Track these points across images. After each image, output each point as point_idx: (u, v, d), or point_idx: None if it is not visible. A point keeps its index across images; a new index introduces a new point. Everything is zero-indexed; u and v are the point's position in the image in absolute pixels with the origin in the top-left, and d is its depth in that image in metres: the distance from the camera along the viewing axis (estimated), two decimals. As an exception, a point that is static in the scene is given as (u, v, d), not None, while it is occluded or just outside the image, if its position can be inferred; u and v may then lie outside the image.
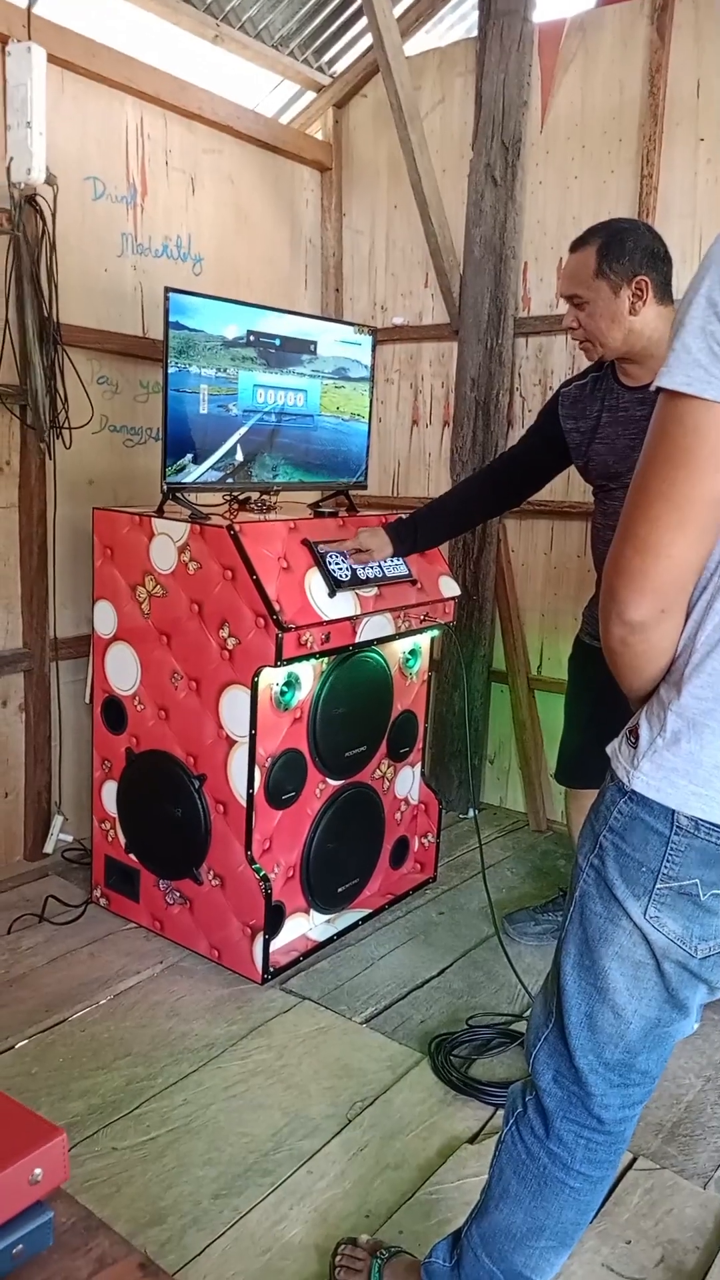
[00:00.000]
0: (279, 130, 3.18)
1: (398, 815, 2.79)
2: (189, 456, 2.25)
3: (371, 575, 2.35)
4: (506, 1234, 1.27)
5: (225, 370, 2.29)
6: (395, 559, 2.44)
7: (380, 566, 2.39)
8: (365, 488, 2.84)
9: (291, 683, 2.26)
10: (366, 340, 2.68)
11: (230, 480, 2.39)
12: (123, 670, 2.40)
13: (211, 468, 2.32)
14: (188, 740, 2.31)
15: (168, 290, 2.13)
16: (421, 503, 3.53)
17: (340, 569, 2.27)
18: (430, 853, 2.87)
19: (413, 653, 2.70)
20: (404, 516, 2.37)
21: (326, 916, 2.56)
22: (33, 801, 2.76)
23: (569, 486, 3.09)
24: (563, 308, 3.07)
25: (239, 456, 2.38)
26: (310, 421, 2.57)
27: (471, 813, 3.41)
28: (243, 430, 2.37)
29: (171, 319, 2.14)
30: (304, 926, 2.48)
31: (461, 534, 3.09)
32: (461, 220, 3.17)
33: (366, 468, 2.79)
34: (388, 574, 2.41)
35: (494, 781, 3.54)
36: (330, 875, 2.52)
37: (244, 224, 3.15)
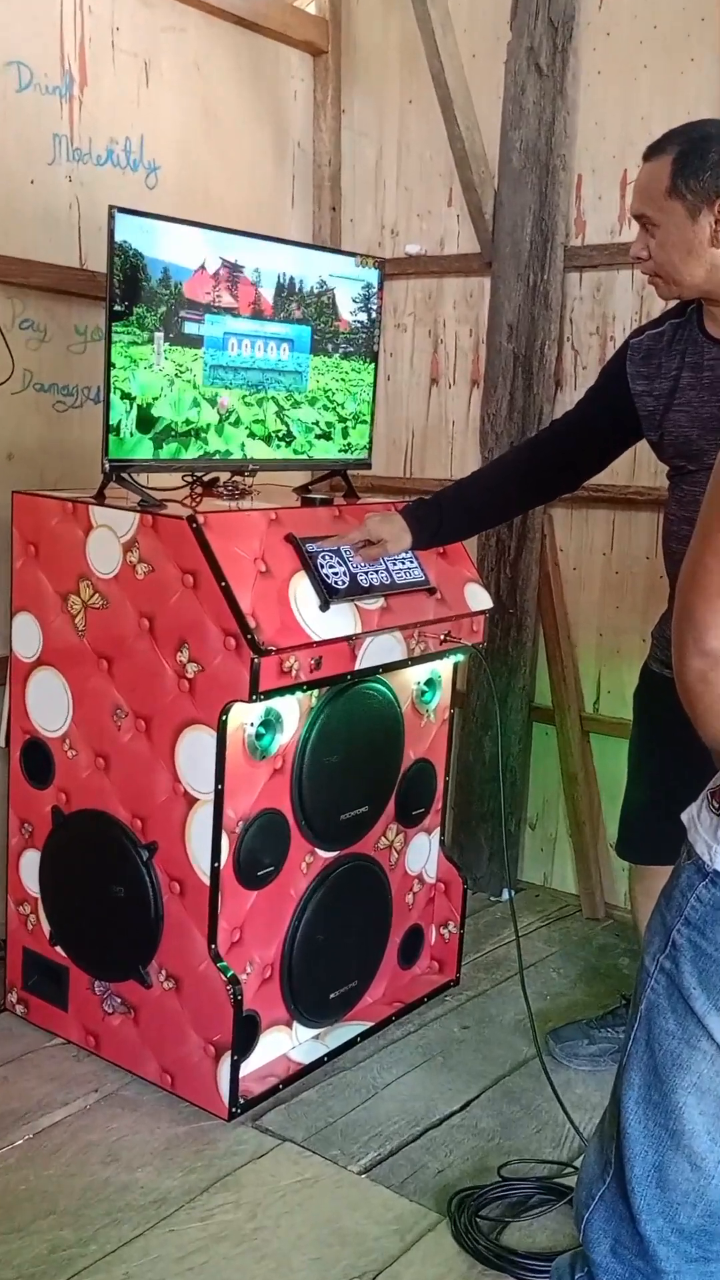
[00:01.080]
0: (260, 3, 3.23)
1: (409, 897, 2.79)
2: (138, 425, 2.27)
3: (377, 582, 2.37)
4: None
5: (187, 313, 2.30)
6: (408, 558, 2.46)
7: (388, 570, 2.41)
8: (369, 467, 2.87)
9: (271, 723, 2.27)
10: (372, 275, 2.71)
11: (192, 457, 2.41)
12: (49, 704, 2.41)
13: (168, 440, 2.34)
14: (134, 798, 2.32)
15: (113, 209, 2.16)
16: (440, 486, 3.55)
17: (336, 574, 2.28)
18: (452, 947, 2.87)
19: (430, 683, 2.71)
20: (424, 497, 2.39)
21: (315, 1032, 2.56)
22: (-71, 876, 2.76)
23: (636, 466, 3.11)
24: (630, 233, 3.11)
25: (204, 426, 2.40)
26: (298, 380, 2.59)
27: (507, 894, 3.41)
28: (210, 391, 2.39)
29: (118, 246, 2.16)
30: (285, 1045, 2.48)
31: (495, 526, 3.12)
32: (496, 121, 3.20)
33: (371, 441, 2.81)
34: (398, 580, 2.42)
35: (536, 853, 3.55)
36: (320, 977, 2.52)
37: (213, 124, 3.20)
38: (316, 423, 2.66)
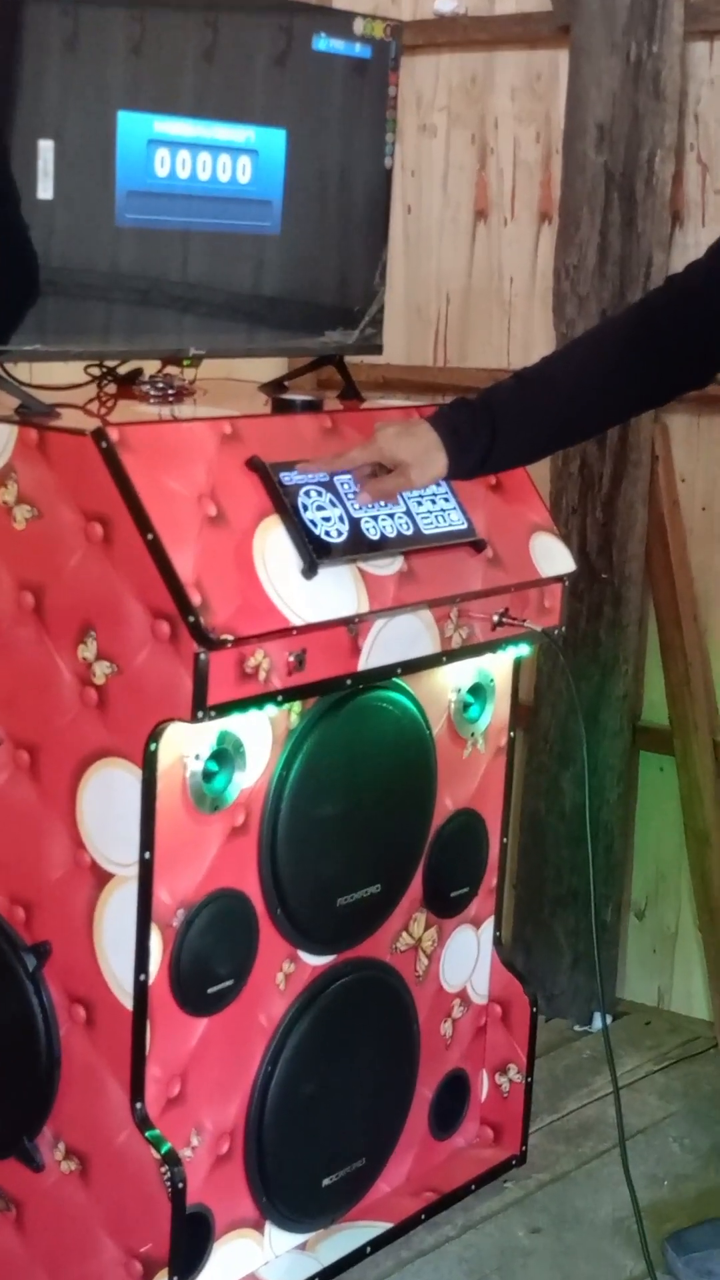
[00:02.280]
0: None
1: (447, 1028, 2.78)
2: (17, 291, 2.26)
3: (393, 532, 2.35)
4: None
5: (90, 110, 2.29)
6: (442, 492, 2.45)
7: (409, 514, 2.40)
8: (378, 351, 2.86)
9: (226, 755, 2.27)
10: (384, 48, 2.69)
11: (102, 339, 2.39)
12: None
13: (63, 315, 2.33)
14: (12, 873, 2.31)
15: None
16: (493, 380, 3.53)
17: (328, 519, 2.28)
18: (515, 1105, 2.86)
19: (477, 692, 2.71)
20: (467, 398, 2.39)
21: (300, 1238, 2.56)
22: None
23: None
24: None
25: (120, 289, 2.39)
26: (267, 215, 2.57)
27: (599, 1022, 3.40)
28: (126, 237, 2.38)
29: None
30: (253, 1258, 2.48)
31: (577, 444, 3.10)
32: None
33: (380, 311, 2.80)
34: (425, 529, 2.41)
35: (645, 958, 3.54)
36: (307, 1153, 2.51)
37: None
38: (295, 283, 2.65)
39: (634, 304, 2.52)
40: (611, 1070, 2.59)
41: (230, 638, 2.09)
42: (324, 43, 2.60)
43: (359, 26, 2.67)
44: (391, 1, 3.54)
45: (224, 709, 2.13)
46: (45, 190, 2.26)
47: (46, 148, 2.25)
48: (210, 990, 2.30)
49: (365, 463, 2.29)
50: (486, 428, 2.31)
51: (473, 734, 2.72)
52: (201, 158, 2.45)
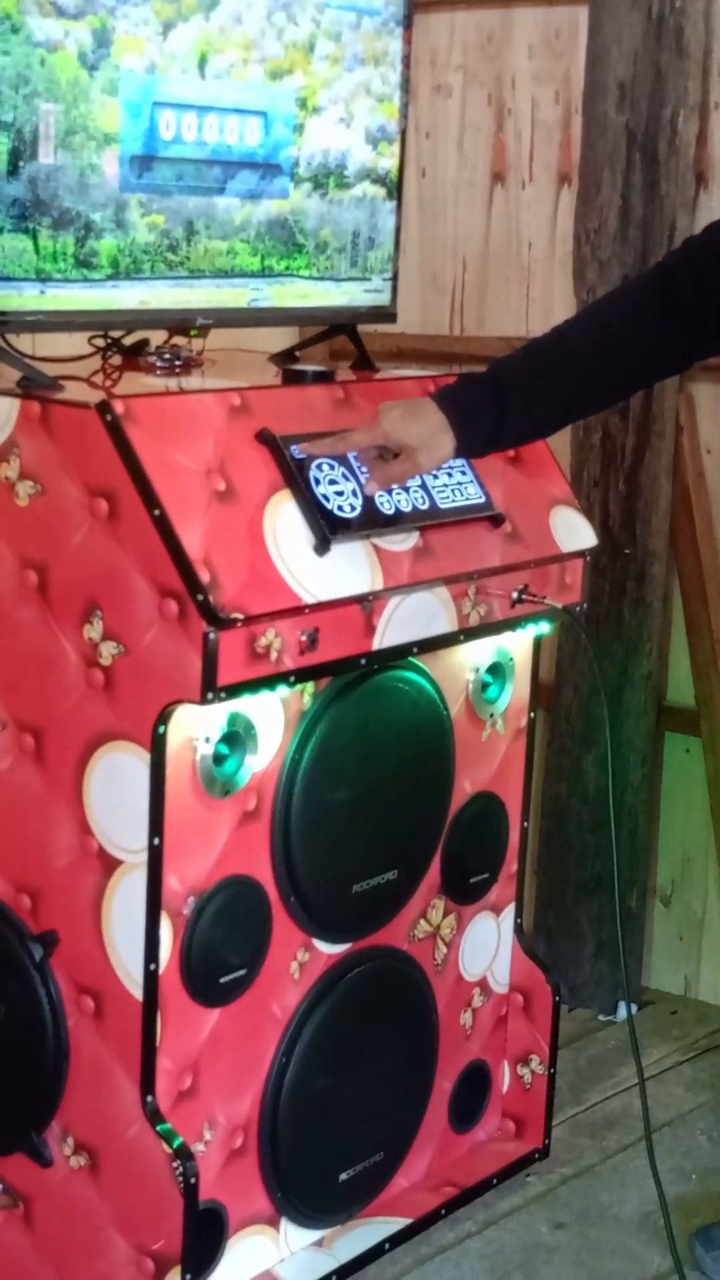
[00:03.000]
0: None
1: (466, 1018, 2.78)
2: (15, 254, 2.24)
3: (408, 507, 2.35)
4: None
5: (94, 71, 2.27)
6: (459, 465, 2.44)
7: (425, 488, 2.39)
8: (393, 319, 2.84)
9: (238, 738, 2.26)
10: (394, 3, 2.67)
11: (107, 308, 2.37)
12: None
13: (66, 279, 2.31)
14: (17, 861, 2.31)
15: None
16: (511, 349, 3.51)
17: (341, 494, 2.27)
18: (538, 1097, 2.86)
19: (496, 671, 2.70)
20: (474, 373, 2.37)
21: (316, 1234, 2.56)
22: None
23: None
24: None
25: (125, 256, 2.37)
26: (276, 177, 2.56)
27: (624, 1011, 3.39)
28: (131, 199, 2.36)
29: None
30: (268, 1255, 2.49)
31: (594, 413, 3.08)
32: None
33: (395, 277, 2.78)
34: (441, 504, 2.41)
35: (672, 945, 3.54)
36: (323, 1147, 2.52)
37: None
38: (304, 247, 2.63)
39: (650, 268, 2.50)
40: (637, 1061, 2.59)
41: (240, 616, 2.08)
42: (327, 8, 2.58)
43: (370, -20, 2.64)
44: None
45: (234, 690, 2.12)
46: (47, 153, 2.24)
47: (49, 111, 2.23)
48: (222, 980, 2.30)
49: (368, 445, 2.27)
50: (495, 404, 2.29)
51: (492, 715, 2.71)
52: (208, 120, 2.43)
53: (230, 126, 2.47)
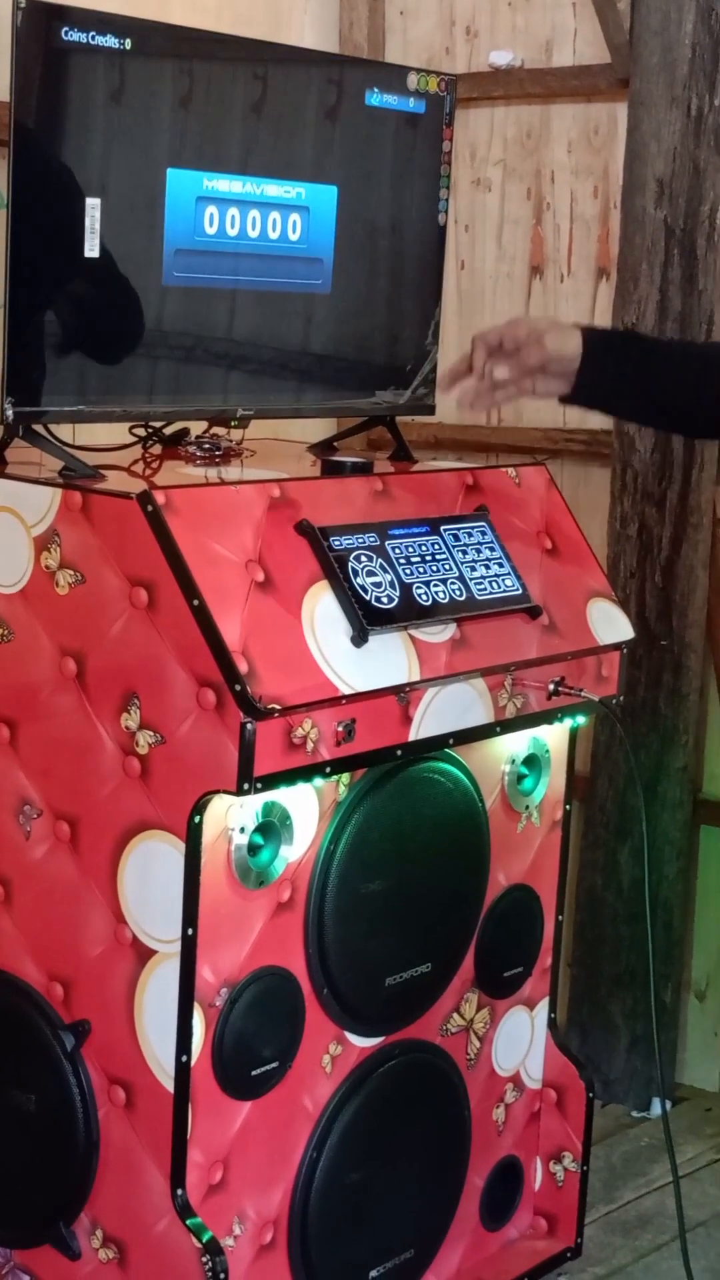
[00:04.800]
0: None
1: (499, 1113, 2.76)
2: (61, 350, 2.28)
3: (445, 597, 2.36)
4: None
5: (138, 167, 2.31)
6: (498, 556, 2.46)
7: (461, 578, 2.42)
8: (431, 412, 2.87)
9: (273, 828, 2.27)
10: (438, 101, 2.71)
11: (148, 399, 2.40)
12: None
13: (108, 375, 2.34)
14: (50, 949, 2.31)
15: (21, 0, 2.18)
16: (549, 441, 3.55)
17: (378, 585, 2.28)
18: (570, 1195, 2.83)
19: (532, 763, 2.70)
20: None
21: (345, 1332, 2.54)
22: None
23: None
24: None
25: (166, 348, 2.40)
26: (317, 273, 2.59)
27: (657, 1108, 3.37)
28: (173, 294, 2.39)
29: (19, 58, 2.17)
30: None
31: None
32: None
33: (433, 370, 2.80)
34: (478, 595, 2.42)
35: (707, 1041, 3.50)
36: (354, 1243, 2.50)
37: None
38: (346, 342, 2.66)
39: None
40: (671, 1159, 2.58)
41: (278, 707, 2.09)
42: (377, 98, 2.63)
43: (413, 81, 2.69)
44: (446, 53, 3.57)
45: (271, 781, 2.13)
46: (92, 248, 2.28)
47: (94, 205, 2.27)
48: (254, 1073, 2.29)
49: (528, 333, 2.34)
50: (616, 336, 2.42)
51: (527, 807, 2.71)
52: (251, 214, 2.48)
53: (271, 220, 2.50)
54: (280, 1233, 2.40)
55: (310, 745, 2.16)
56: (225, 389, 2.53)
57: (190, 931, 2.16)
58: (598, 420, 3.44)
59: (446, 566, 2.40)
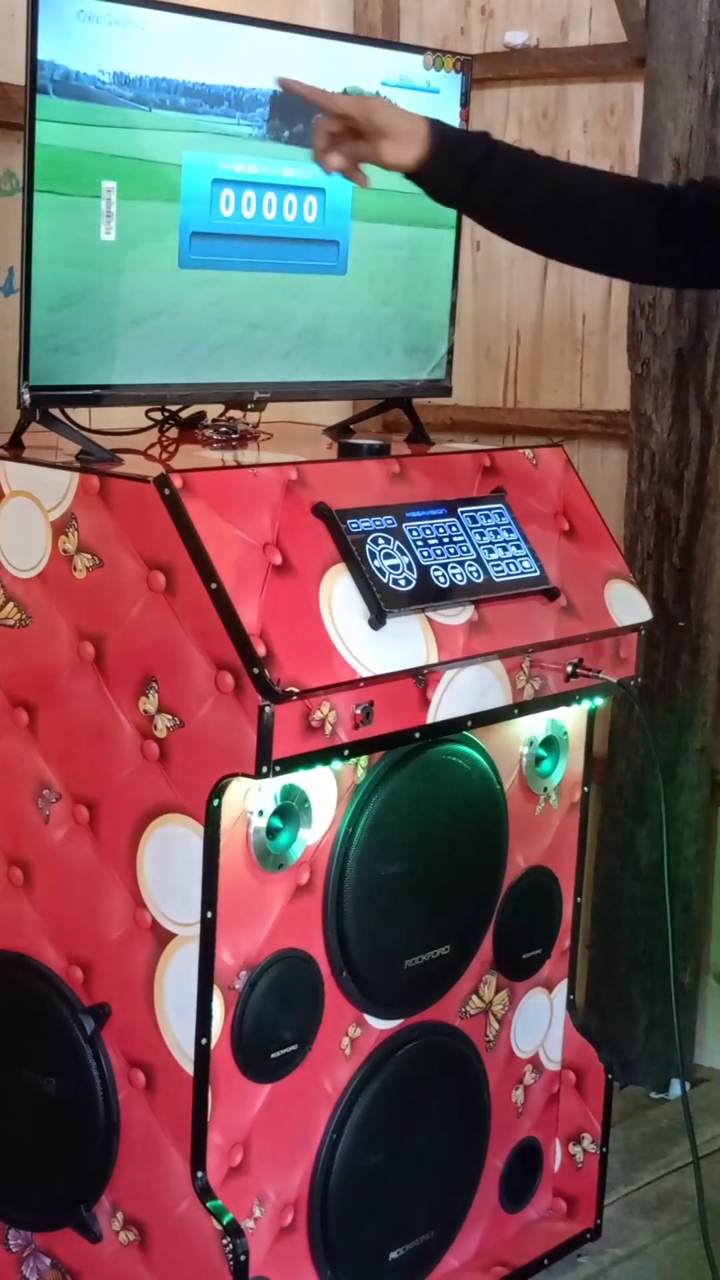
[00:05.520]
0: None
1: (518, 1095, 2.77)
2: (77, 334, 2.28)
3: (463, 580, 2.37)
4: None
5: (153, 151, 2.31)
6: (514, 536, 2.46)
7: (479, 560, 2.42)
8: (447, 393, 2.89)
9: (292, 811, 2.27)
10: (453, 82, 2.71)
11: (164, 382, 2.41)
12: (-65, 781, 2.44)
13: (125, 358, 2.35)
14: (70, 932, 2.32)
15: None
16: (564, 421, 3.54)
17: (396, 567, 2.29)
18: (589, 1176, 2.85)
19: (550, 745, 2.71)
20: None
21: (366, 1313, 2.55)
22: None
23: None
24: None
25: (181, 333, 2.41)
26: (333, 255, 2.60)
27: (676, 1089, 3.37)
28: (190, 276, 2.40)
29: (42, 47, 2.18)
30: (317, 1334, 2.48)
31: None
32: None
33: (451, 351, 2.81)
34: (496, 577, 2.42)
35: (726, 1021, 3.51)
36: (373, 1225, 2.51)
37: None
38: (361, 323, 2.66)
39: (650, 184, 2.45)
40: (691, 1140, 2.58)
41: (296, 690, 2.09)
42: (393, 79, 2.62)
43: (428, 61, 2.69)
44: (461, 34, 3.56)
45: (289, 764, 2.13)
46: (109, 232, 2.28)
47: (110, 188, 2.27)
48: (274, 1055, 2.30)
49: (347, 111, 2.16)
50: (482, 150, 2.19)
51: (545, 789, 2.71)
52: (267, 197, 2.48)
53: (288, 202, 2.51)
54: (300, 1215, 2.41)
55: (328, 728, 2.17)
56: (241, 372, 2.53)
57: (209, 914, 2.16)
58: (615, 402, 3.44)
59: (464, 548, 2.40)
